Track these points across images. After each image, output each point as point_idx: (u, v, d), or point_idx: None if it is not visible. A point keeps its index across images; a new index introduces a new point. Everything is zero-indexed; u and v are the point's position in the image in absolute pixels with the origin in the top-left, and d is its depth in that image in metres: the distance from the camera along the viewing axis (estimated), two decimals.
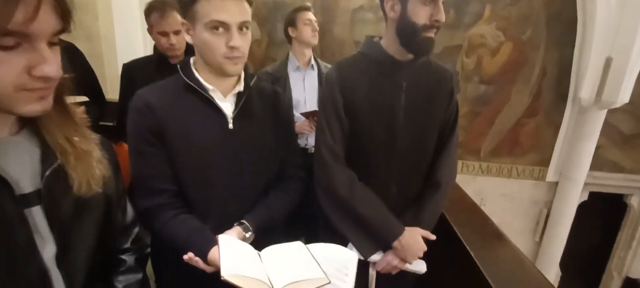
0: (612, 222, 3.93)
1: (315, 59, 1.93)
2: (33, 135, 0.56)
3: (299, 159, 1.08)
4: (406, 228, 1.02)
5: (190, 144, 0.87)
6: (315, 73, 1.90)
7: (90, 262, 0.63)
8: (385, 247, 1.04)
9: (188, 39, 0.87)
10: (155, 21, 1.40)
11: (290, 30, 1.84)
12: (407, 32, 0.94)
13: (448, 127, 1.06)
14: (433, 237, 1.05)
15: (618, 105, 2.94)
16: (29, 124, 0.56)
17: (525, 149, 3.56)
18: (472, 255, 1.08)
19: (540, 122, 3.49)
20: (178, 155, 0.87)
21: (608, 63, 2.93)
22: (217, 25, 0.79)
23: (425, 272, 1.06)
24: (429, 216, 1.05)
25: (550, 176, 3.63)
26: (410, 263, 1.03)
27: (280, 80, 1.83)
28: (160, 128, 0.85)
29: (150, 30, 1.45)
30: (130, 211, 0.78)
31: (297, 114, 1.82)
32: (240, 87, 0.91)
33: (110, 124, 1.66)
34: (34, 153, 0.55)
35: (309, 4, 1.90)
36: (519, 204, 3.72)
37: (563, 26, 3.12)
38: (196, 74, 0.88)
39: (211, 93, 0.87)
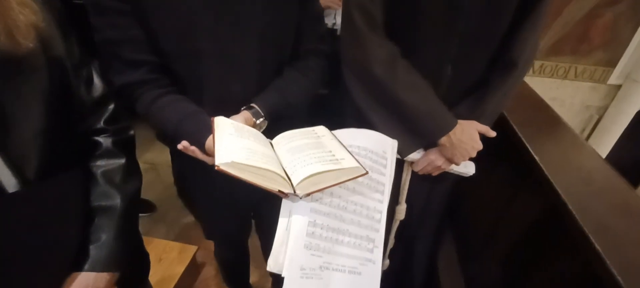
0: None
1: None
2: None
3: (321, 28, 0.83)
4: (459, 122, 0.78)
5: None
6: None
7: (45, 142, 0.51)
8: (430, 144, 0.82)
9: None
10: None
11: None
12: None
13: None
14: (493, 134, 0.82)
15: None
16: None
17: (593, 46, 3.00)
18: (537, 160, 0.86)
19: (620, 13, 2.86)
20: (151, 13, 0.64)
21: None
22: None
23: (474, 174, 0.87)
24: (493, 108, 0.81)
25: (614, 78, 3.16)
26: (457, 164, 0.83)
27: None
28: None
29: None
30: (98, 84, 0.62)
31: None
32: None
33: None
34: None
35: None
36: (568, 109, 3.34)
37: None
38: None
39: None
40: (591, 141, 3.42)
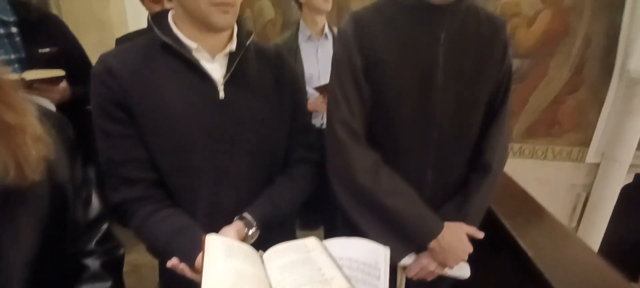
0: None
1: (329, 27, 1.70)
2: None
3: (311, 138, 0.88)
4: (446, 224, 0.80)
5: (167, 120, 0.68)
6: (329, 43, 1.67)
7: (32, 271, 0.50)
8: (420, 248, 0.82)
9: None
10: None
11: None
12: None
13: (500, 93, 0.82)
14: (481, 235, 0.82)
15: None
16: None
17: (564, 129, 3.21)
18: (530, 255, 0.85)
19: (582, 99, 3.14)
20: (152, 135, 0.69)
21: None
22: None
23: (469, 277, 0.85)
24: (477, 208, 0.83)
25: (591, 157, 3.30)
26: (451, 267, 0.81)
27: (291, 52, 1.62)
28: (126, 99, 0.66)
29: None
30: (95, 204, 0.63)
31: (310, 90, 1.62)
32: (233, 46, 0.72)
33: None
34: None
35: None
36: (554, 188, 3.40)
37: None
38: (175, 30, 0.68)
39: (195, 53, 0.68)
40: (584, 220, 3.41)
